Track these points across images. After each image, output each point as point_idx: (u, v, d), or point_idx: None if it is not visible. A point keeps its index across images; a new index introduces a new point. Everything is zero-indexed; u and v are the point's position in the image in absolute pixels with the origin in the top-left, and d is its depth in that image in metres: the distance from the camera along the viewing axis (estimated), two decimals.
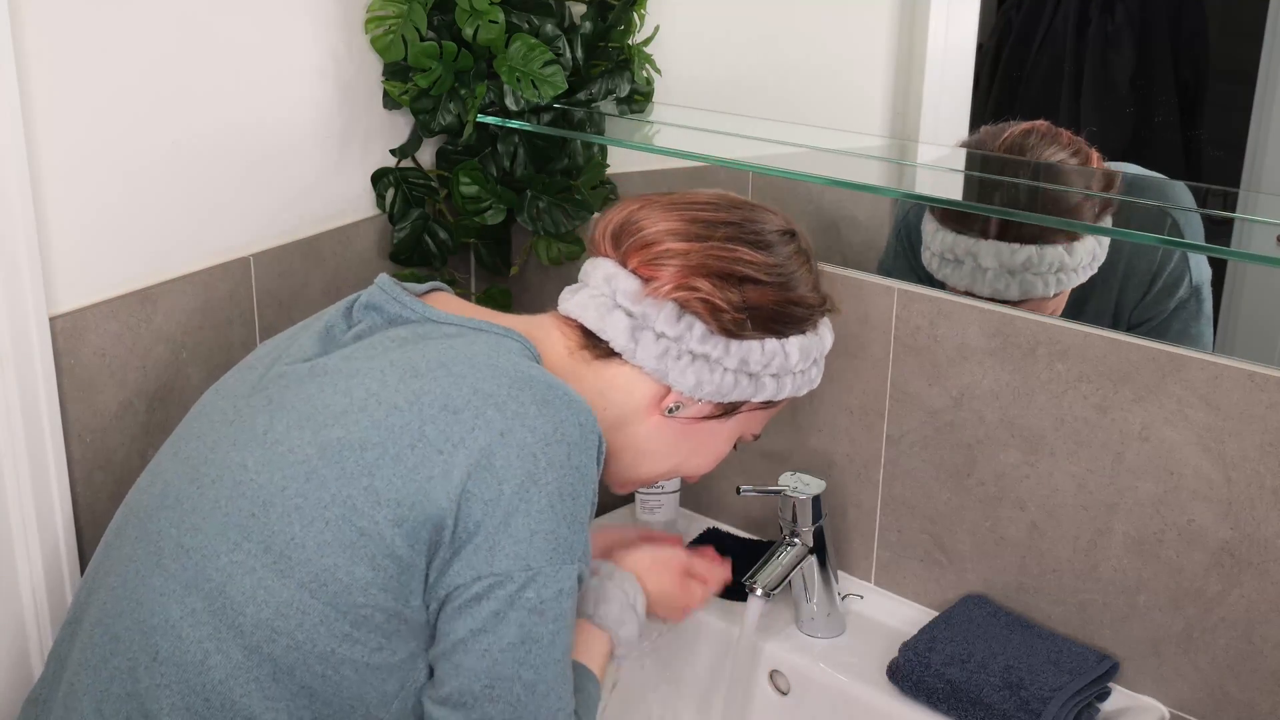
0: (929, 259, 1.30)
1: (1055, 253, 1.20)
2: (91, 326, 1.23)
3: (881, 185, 1.41)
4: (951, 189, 1.35)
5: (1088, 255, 1.21)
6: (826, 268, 1.33)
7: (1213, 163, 1.21)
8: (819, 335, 1.14)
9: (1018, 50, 1.31)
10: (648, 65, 1.51)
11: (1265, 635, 1.13)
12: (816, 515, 1.29)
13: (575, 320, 1.09)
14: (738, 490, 1.32)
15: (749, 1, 1.49)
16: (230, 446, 0.98)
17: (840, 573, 1.38)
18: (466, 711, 0.93)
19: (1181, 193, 1.22)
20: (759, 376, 1.10)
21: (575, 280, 1.13)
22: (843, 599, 1.34)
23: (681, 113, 1.50)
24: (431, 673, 0.98)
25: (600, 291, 1.08)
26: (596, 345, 1.08)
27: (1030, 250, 1.21)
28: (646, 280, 1.06)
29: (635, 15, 1.48)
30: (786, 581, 1.28)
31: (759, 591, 1.26)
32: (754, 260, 1.07)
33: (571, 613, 0.97)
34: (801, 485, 1.30)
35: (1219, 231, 1.18)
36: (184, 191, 1.30)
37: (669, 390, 1.09)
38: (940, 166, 1.35)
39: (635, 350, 1.06)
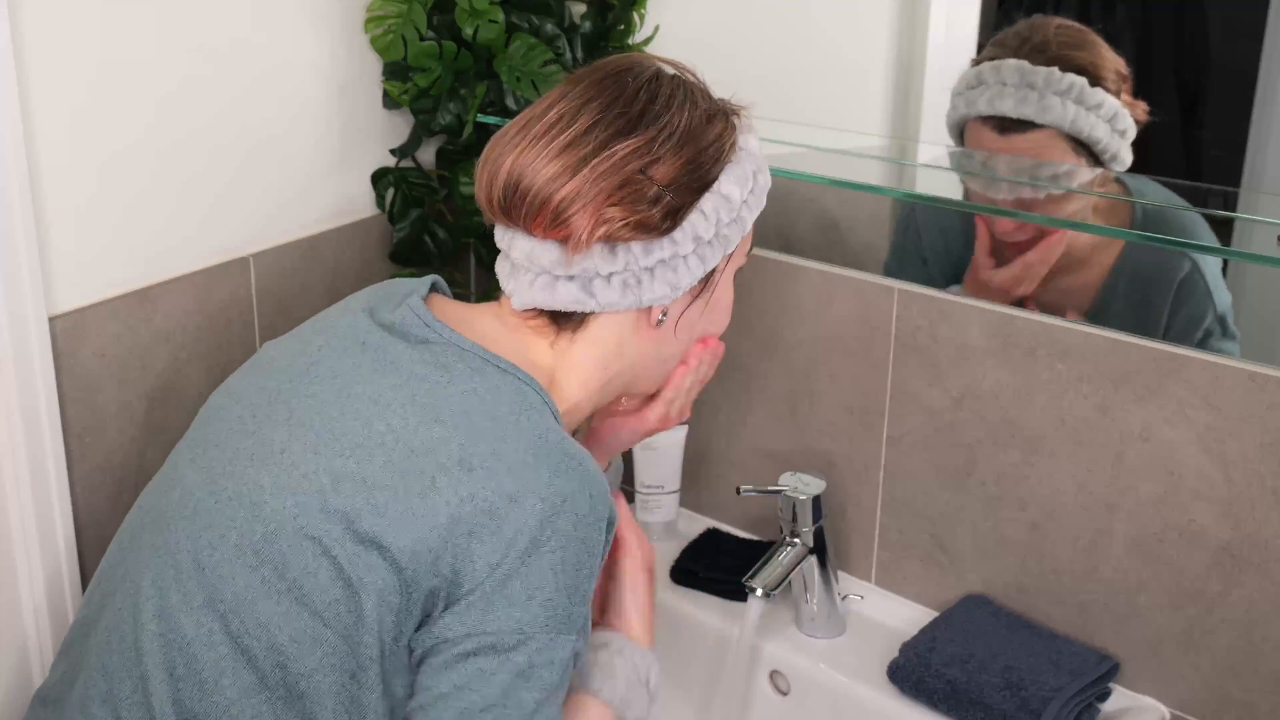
0: (954, 101, 1.28)
1: (1075, 78, 1.20)
2: (91, 326, 1.23)
3: (881, 185, 1.41)
4: (952, 189, 1.35)
5: (1110, 109, 1.20)
6: (826, 268, 1.33)
7: (1213, 163, 1.21)
8: (743, 150, 1.05)
9: None
10: None
11: (1265, 635, 1.13)
12: (816, 515, 1.29)
13: (536, 308, 1.04)
14: (738, 490, 1.32)
15: (749, 2, 1.49)
16: (248, 462, 0.97)
17: (840, 573, 1.38)
18: None
19: (1187, 214, 1.22)
20: (717, 235, 1.03)
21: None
22: (843, 599, 1.34)
23: None
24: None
25: (532, 272, 1.02)
26: (567, 319, 1.04)
27: (1054, 68, 1.21)
28: (563, 241, 0.99)
29: (635, 15, 1.48)
30: (786, 581, 1.28)
31: (759, 591, 1.25)
32: (637, 146, 0.98)
33: (562, 687, 0.94)
34: (801, 485, 1.29)
35: (1219, 231, 1.18)
36: (184, 191, 1.30)
37: (649, 309, 1.04)
38: (940, 166, 1.35)
39: (597, 301, 1.02)
